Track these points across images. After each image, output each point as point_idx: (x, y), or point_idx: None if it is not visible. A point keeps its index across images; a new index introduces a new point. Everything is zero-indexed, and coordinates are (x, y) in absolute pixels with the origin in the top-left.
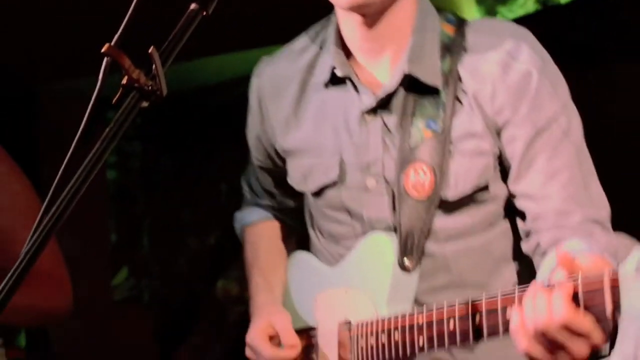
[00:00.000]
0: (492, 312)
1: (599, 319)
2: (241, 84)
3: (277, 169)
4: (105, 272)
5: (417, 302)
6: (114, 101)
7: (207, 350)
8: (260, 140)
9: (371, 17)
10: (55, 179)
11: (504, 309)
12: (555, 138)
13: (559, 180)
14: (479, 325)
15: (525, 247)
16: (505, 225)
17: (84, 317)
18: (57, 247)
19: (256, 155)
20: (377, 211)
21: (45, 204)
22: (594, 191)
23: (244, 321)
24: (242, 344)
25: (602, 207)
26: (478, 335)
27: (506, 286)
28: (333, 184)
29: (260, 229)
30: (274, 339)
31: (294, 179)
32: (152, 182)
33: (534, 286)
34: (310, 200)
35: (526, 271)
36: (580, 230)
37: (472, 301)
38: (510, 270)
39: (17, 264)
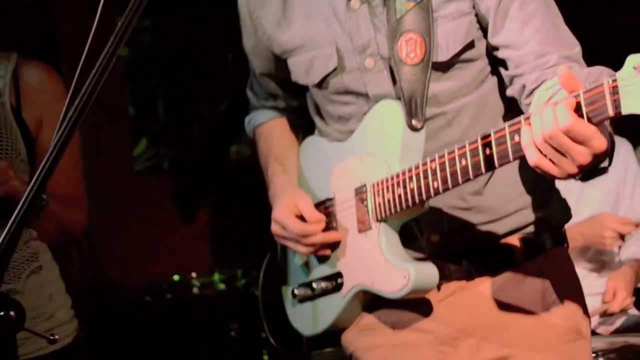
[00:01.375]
0: (501, 139)
1: (602, 126)
2: None
3: (277, 72)
4: (126, 144)
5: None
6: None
7: (224, 212)
8: (258, 48)
9: None
10: (76, 72)
11: (512, 135)
12: None
13: (533, 25)
14: (490, 154)
15: (511, 91)
16: (494, 79)
17: (109, 187)
18: (79, 169)
19: (257, 63)
20: (380, 86)
21: (69, 95)
22: (564, 32)
23: (258, 182)
24: (258, 203)
25: (574, 45)
26: (490, 164)
27: None
28: (334, 72)
29: (270, 126)
30: (299, 217)
31: (297, 74)
32: (163, 55)
33: (540, 106)
34: (313, 91)
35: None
36: (561, 67)
37: (481, 136)
38: (506, 120)
39: (48, 153)
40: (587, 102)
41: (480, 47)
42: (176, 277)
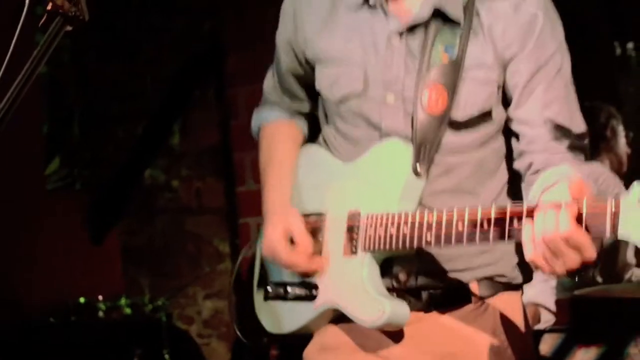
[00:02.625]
0: (500, 220)
1: (595, 239)
2: None
3: (303, 73)
4: (38, 162)
5: (420, 203)
6: (40, 25)
7: (136, 234)
8: (291, 46)
9: None
10: None
11: (512, 219)
12: (551, 73)
13: (553, 109)
14: (487, 230)
15: (518, 164)
16: (499, 144)
17: (17, 205)
18: None
19: (284, 59)
20: (394, 123)
21: None
22: (578, 119)
23: (170, 208)
24: (171, 228)
25: (584, 136)
26: (485, 238)
27: (492, 194)
28: (356, 95)
29: (276, 128)
30: (291, 242)
31: (322, 85)
32: (81, 74)
33: (544, 204)
34: (329, 103)
35: (507, 185)
36: (568, 156)
37: (483, 209)
38: (496, 182)
39: None
40: (588, 215)
41: (497, 115)
42: (82, 300)
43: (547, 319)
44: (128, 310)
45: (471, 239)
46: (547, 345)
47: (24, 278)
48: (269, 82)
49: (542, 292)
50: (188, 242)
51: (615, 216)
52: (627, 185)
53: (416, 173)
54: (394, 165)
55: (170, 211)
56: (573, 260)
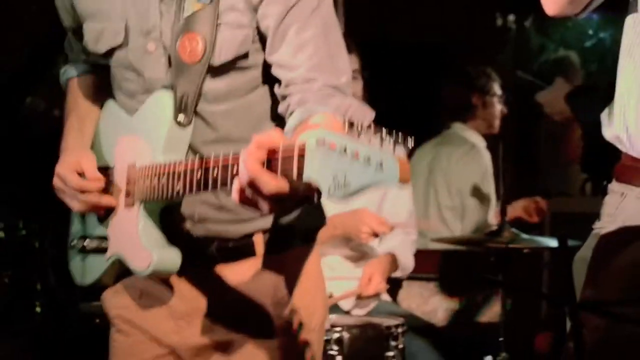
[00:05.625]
0: (224, 167)
1: (291, 183)
2: None
3: (81, 29)
4: None
5: (194, 152)
6: None
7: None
8: (64, 4)
9: None
10: None
11: (233, 166)
12: (304, 13)
13: (306, 51)
14: (215, 176)
15: (281, 108)
16: (264, 89)
17: None
18: None
19: (64, 16)
20: (156, 72)
21: None
22: (338, 61)
23: (51, 135)
24: (49, 159)
25: (342, 74)
26: (213, 185)
27: None
28: (119, 46)
29: (81, 81)
30: (80, 175)
31: (88, 41)
32: None
33: (243, 152)
34: (96, 58)
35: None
36: (320, 94)
37: (206, 158)
38: (269, 128)
39: None
40: (282, 159)
41: (256, 59)
42: None
43: (405, 268)
44: (1, 234)
45: (204, 186)
46: (405, 292)
47: None
48: (67, 41)
49: (401, 243)
50: None
51: (301, 159)
52: (495, 147)
53: (178, 123)
54: (159, 116)
55: (51, 140)
56: (269, 198)
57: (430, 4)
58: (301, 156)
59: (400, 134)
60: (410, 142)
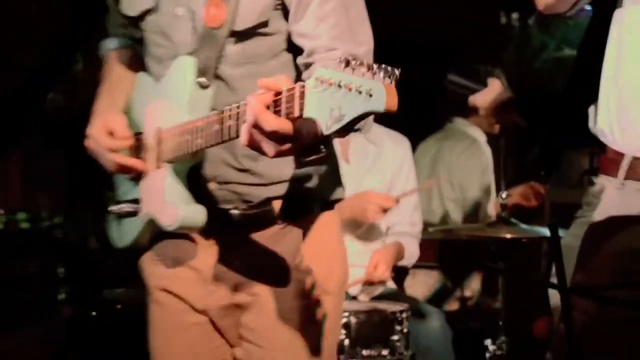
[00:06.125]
0: (237, 115)
1: (294, 123)
2: None
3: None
4: None
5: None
6: None
7: (38, 158)
8: None
9: None
10: None
11: (244, 113)
12: None
13: (328, 22)
14: (229, 126)
15: (305, 76)
16: (287, 57)
17: None
18: None
19: None
20: (183, 36)
21: None
22: (359, 32)
23: (75, 129)
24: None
25: (362, 44)
26: (229, 134)
27: None
28: (151, 10)
29: (117, 53)
30: (111, 135)
31: (122, 4)
32: None
33: (251, 95)
34: (132, 22)
35: None
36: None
37: (223, 110)
38: None
39: None
40: (285, 98)
41: (276, 26)
42: None
43: (410, 257)
44: (25, 225)
45: (227, 137)
46: (410, 279)
47: None
48: (107, 17)
49: (406, 234)
50: None
51: (302, 96)
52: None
53: (200, 85)
54: (182, 79)
55: (74, 134)
56: (272, 138)
57: (435, 1)
58: (303, 97)
59: (389, 67)
60: (397, 72)
